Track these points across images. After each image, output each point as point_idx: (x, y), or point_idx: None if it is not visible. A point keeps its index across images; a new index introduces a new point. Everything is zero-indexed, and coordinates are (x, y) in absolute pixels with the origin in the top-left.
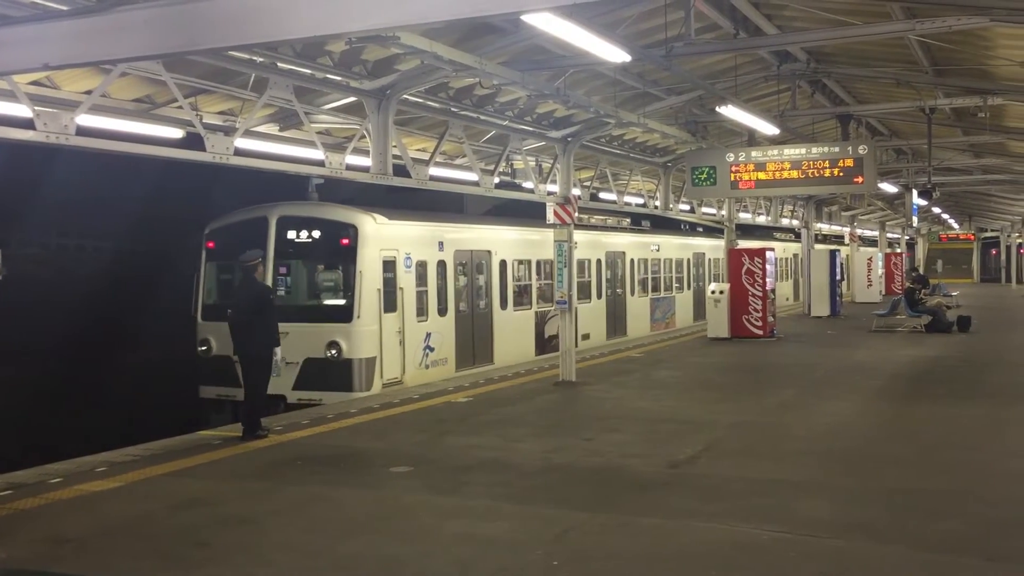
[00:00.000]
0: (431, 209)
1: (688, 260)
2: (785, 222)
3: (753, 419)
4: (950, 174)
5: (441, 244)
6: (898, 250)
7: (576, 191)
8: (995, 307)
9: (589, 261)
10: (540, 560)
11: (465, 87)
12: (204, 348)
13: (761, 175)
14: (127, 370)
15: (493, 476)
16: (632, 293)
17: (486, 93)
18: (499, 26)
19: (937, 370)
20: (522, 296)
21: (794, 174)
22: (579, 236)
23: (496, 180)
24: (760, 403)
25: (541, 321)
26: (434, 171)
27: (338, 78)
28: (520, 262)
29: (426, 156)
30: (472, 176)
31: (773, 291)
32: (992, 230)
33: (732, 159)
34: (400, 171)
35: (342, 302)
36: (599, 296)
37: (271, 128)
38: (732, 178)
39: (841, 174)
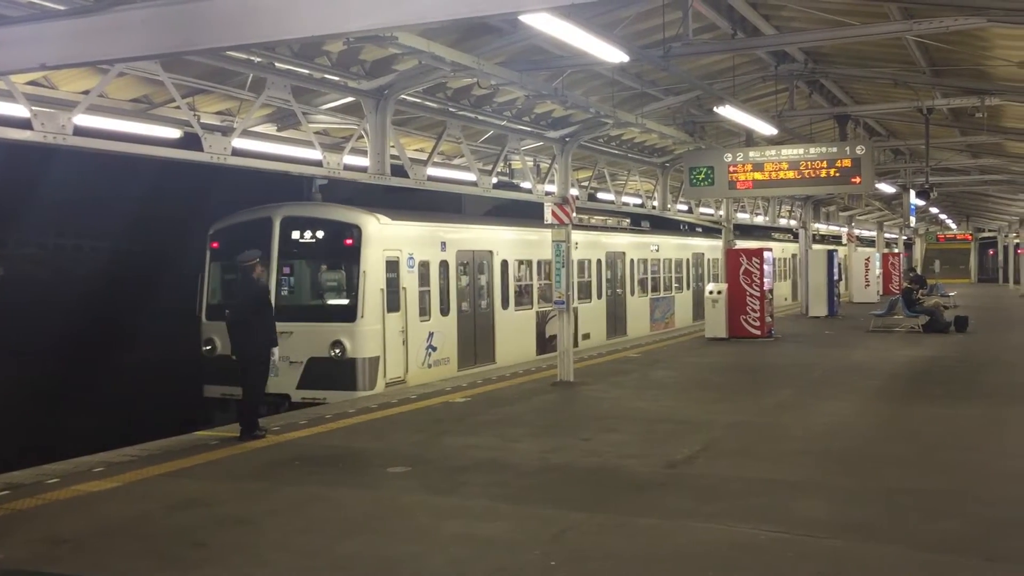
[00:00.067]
0: (429, 209)
1: (687, 260)
2: (783, 222)
3: (751, 419)
4: (947, 174)
5: (444, 244)
6: (896, 250)
7: (574, 191)
8: (992, 307)
9: (589, 261)
10: (538, 560)
11: (463, 87)
12: (208, 348)
13: (759, 175)
14: (125, 370)
15: (491, 476)
16: (632, 293)
17: (484, 93)
18: (497, 26)
19: (935, 370)
20: (523, 296)
21: (792, 174)
22: (579, 236)
23: (494, 180)
24: (758, 403)
25: (542, 321)
26: (432, 171)
27: (336, 78)
28: (521, 262)
29: (424, 156)
30: (470, 176)
31: (771, 291)
32: (989, 230)
33: (730, 159)
34: (398, 171)
35: (346, 302)
36: (599, 296)
37: (269, 128)
38: (730, 178)
39: (839, 174)
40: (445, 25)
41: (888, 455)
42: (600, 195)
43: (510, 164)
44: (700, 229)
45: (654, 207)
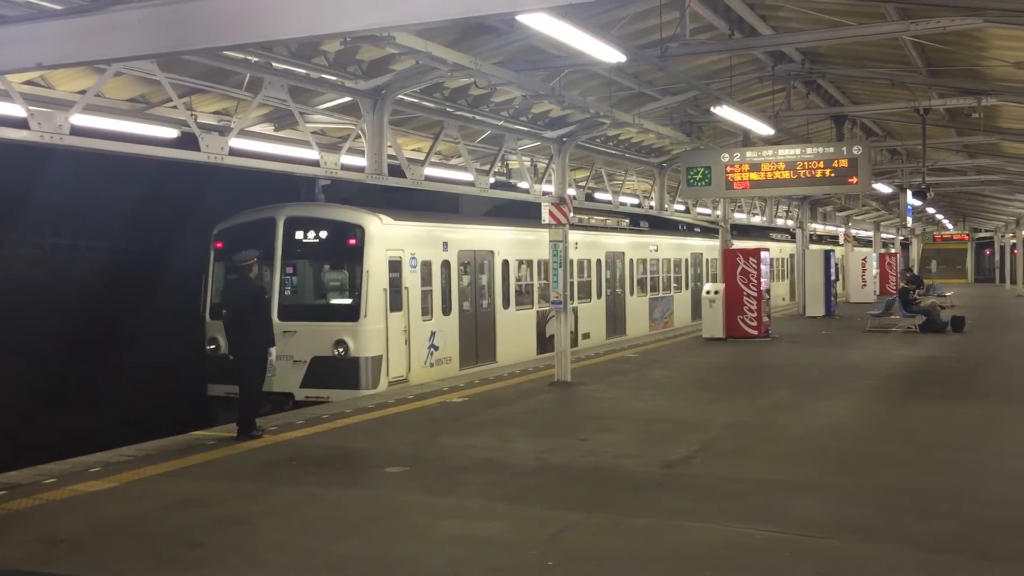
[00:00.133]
0: (426, 209)
1: (686, 260)
2: (780, 222)
3: (748, 419)
4: (944, 175)
5: (445, 244)
6: (892, 250)
7: (571, 191)
8: (989, 307)
9: (589, 261)
10: (535, 560)
11: (460, 87)
12: (212, 347)
13: (756, 175)
14: (122, 370)
15: (488, 476)
16: (631, 293)
17: (481, 93)
18: (494, 26)
19: (931, 370)
20: (524, 296)
21: (789, 174)
22: (579, 237)
23: (491, 180)
24: (755, 403)
25: (542, 320)
26: (429, 171)
27: (333, 78)
28: (522, 262)
29: (421, 156)
30: (467, 176)
31: (768, 291)
32: (986, 230)
33: (727, 159)
34: (395, 171)
35: (349, 301)
36: (599, 296)
37: (266, 128)
38: (727, 178)
39: (835, 175)
40: (442, 25)
41: (885, 455)
42: (597, 195)
43: (507, 164)
44: (698, 229)
45: (651, 207)
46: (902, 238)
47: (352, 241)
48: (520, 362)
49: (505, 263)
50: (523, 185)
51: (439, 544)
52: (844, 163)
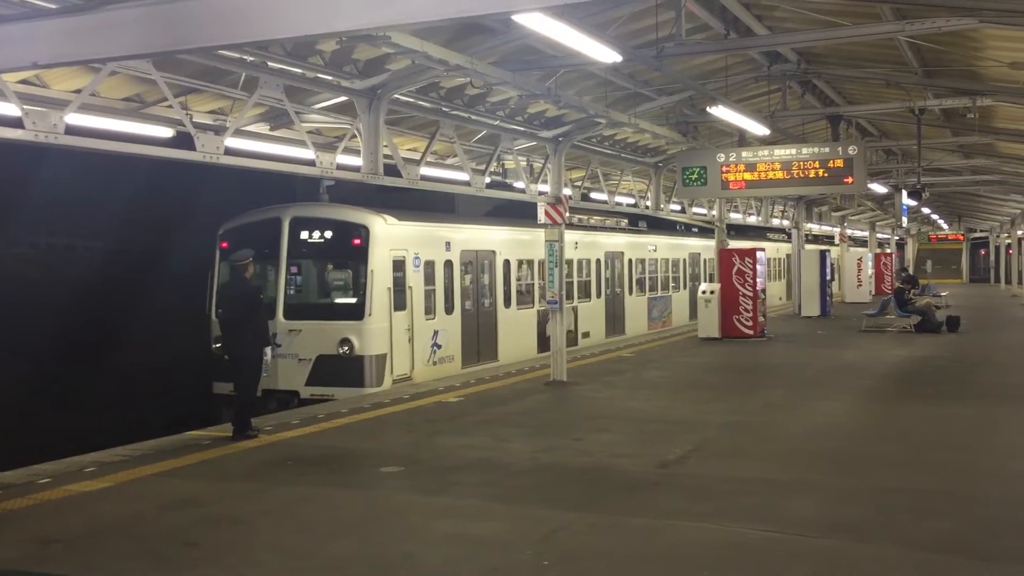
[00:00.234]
0: (422, 209)
1: (684, 260)
2: (776, 222)
3: (743, 419)
4: (939, 175)
5: (448, 244)
6: (888, 250)
7: (567, 191)
8: (984, 307)
9: (588, 261)
10: (530, 560)
11: (456, 87)
12: (218, 345)
13: (752, 175)
14: (119, 370)
15: (483, 476)
16: (630, 292)
17: (477, 93)
18: (490, 26)
19: (926, 370)
20: (525, 295)
21: (784, 174)
22: (579, 236)
23: (487, 180)
24: (750, 403)
25: (543, 320)
26: (425, 171)
27: (329, 77)
28: (523, 262)
29: (417, 156)
30: (463, 176)
31: (763, 291)
32: (981, 231)
33: (723, 159)
34: (391, 171)
35: (354, 300)
36: (598, 295)
37: (262, 127)
38: (723, 178)
39: (831, 175)
40: (438, 25)
41: (880, 455)
42: (593, 195)
43: (503, 164)
44: (696, 229)
45: (647, 207)
46: (897, 238)
47: (357, 241)
48: (521, 361)
49: (506, 263)
50: (519, 185)
51: (435, 544)
52: (839, 163)
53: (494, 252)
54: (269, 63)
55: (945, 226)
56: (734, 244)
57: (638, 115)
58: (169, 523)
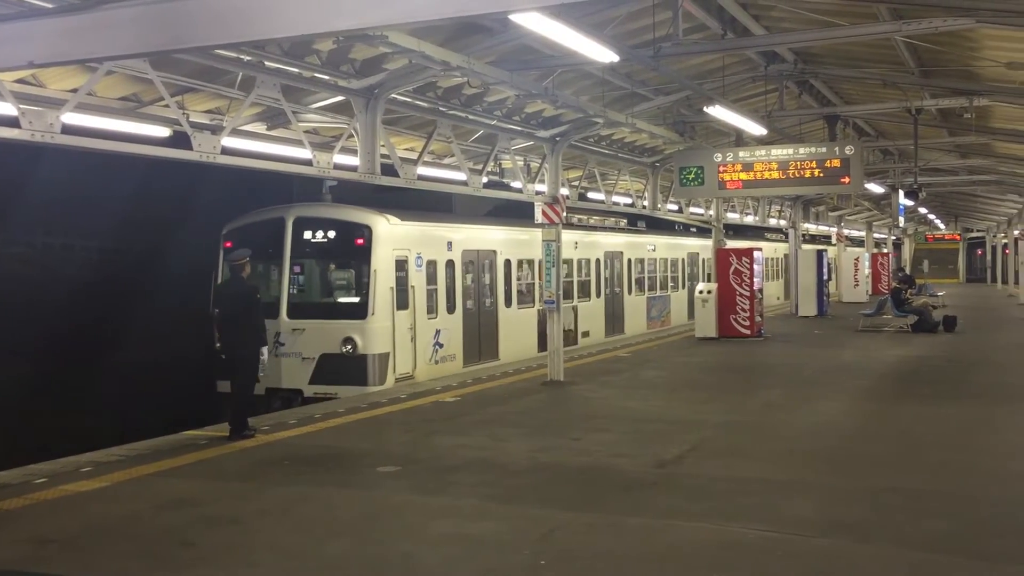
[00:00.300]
0: (419, 208)
1: (683, 260)
2: (773, 222)
3: (740, 419)
4: (936, 175)
5: (450, 244)
6: (885, 250)
7: (564, 191)
8: (980, 307)
9: (588, 261)
10: (527, 560)
11: (453, 86)
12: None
13: (748, 175)
14: (116, 370)
15: (480, 476)
16: (629, 292)
17: (474, 93)
18: (487, 26)
19: (923, 370)
20: (525, 295)
21: (781, 174)
22: (579, 236)
23: (484, 180)
24: (747, 403)
25: (544, 319)
26: (422, 171)
27: (326, 77)
28: (523, 262)
29: (414, 155)
30: (460, 176)
31: (760, 291)
32: (978, 230)
33: (720, 159)
34: (388, 170)
35: (357, 300)
36: (598, 295)
37: (258, 127)
38: (720, 178)
39: (828, 175)
40: (435, 24)
41: (877, 455)
42: (591, 195)
43: (500, 163)
44: (694, 229)
45: (644, 207)
46: (894, 238)
47: (360, 241)
48: (522, 360)
49: (507, 262)
50: (516, 185)
51: (432, 544)
52: (836, 163)
53: (495, 252)
54: (266, 62)
55: (942, 226)
56: (732, 244)
57: (635, 115)
58: (166, 523)
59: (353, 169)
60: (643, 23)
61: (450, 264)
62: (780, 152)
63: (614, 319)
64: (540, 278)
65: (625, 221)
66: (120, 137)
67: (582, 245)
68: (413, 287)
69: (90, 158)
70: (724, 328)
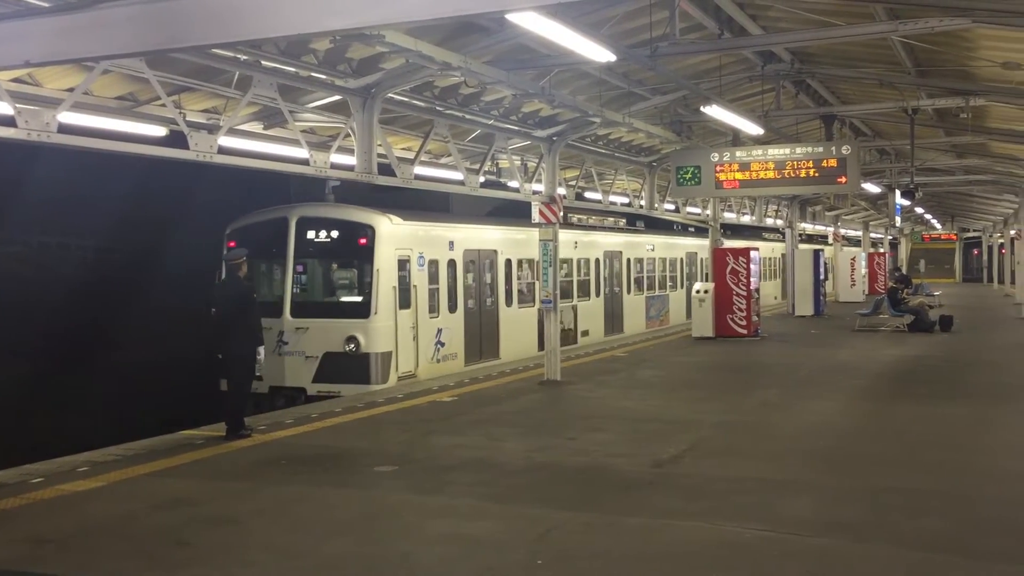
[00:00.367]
0: (415, 208)
1: (681, 259)
2: (769, 222)
3: (737, 418)
4: (932, 174)
5: (451, 244)
6: (881, 250)
7: (561, 190)
8: (977, 307)
9: (588, 260)
10: (524, 559)
11: (450, 86)
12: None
13: (745, 175)
14: (113, 369)
15: (477, 475)
16: (628, 291)
17: (471, 92)
18: (484, 25)
19: (919, 370)
20: (526, 294)
21: (778, 174)
22: (579, 236)
23: (481, 179)
24: (744, 402)
25: (543, 318)
26: (419, 170)
27: (323, 76)
28: (524, 261)
29: (411, 155)
30: (457, 175)
31: (757, 290)
32: (974, 230)
33: (717, 159)
34: (385, 170)
35: (360, 299)
36: (598, 294)
37: (255, 126)
38: (716, 178)
39: (825, 174)
40: (432, 23)
41: (873, 454)
42: (587, 194)
43: (497, 163)
44: (692, 229)
45: (641, 206)
46: (891, 238)
47: (363, 240)
48: (522, 358)
49: (508, 262)
50: (513, 184)
51: (429, 544)
52: (833, 163)
53: (496, 252)
54: (263, 62)
55: (938, 226)
56: (729, 244)
57: (632, 114)
58: (162, 523)
59: (350, 169)
60: (640, 22)
61: (451, 264)
62: (777, 152)
63: (613, 318)
64: (540, 278)
65: (624, 221)
66: (116, 136)
67: (582, 245)
68: (415, 286)
69: (86, 157)
70: (721, 328)
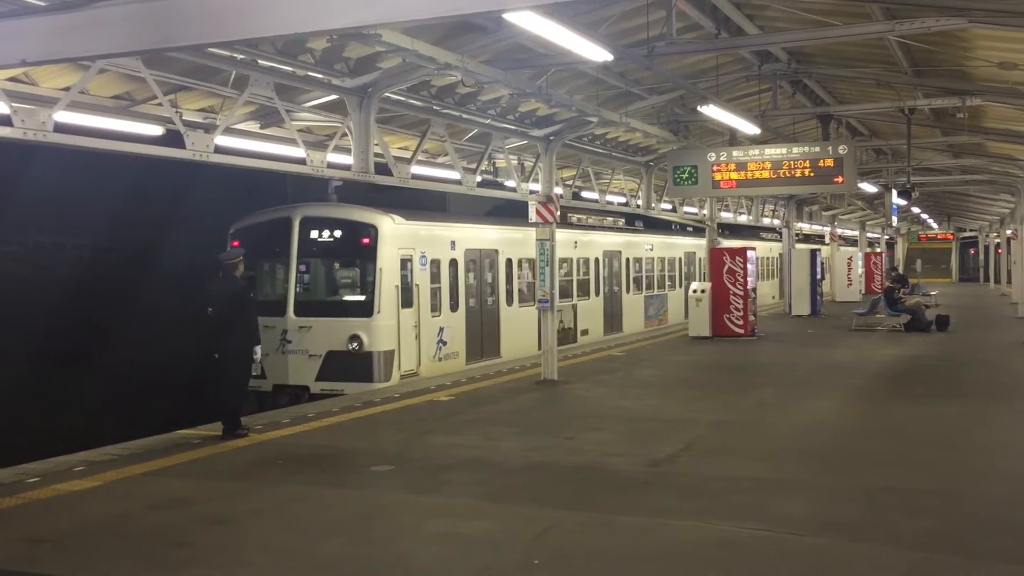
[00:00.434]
0: (411, 207)
1: (679, 259)
2: (766, 221)
3: (733, 418)
4: (929, 174)
5: (453, 243)
6: (878, 249)
7: (558, 190)
8: (973, 306)
9: (587, 260)
10: (521, 559)
11: (447, 85)
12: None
13: (742, 175)
14: (109, 369)
15: (474, 475)
16: (627, 291)
17: (468, 91)
18: (481, 24)
19: (916, 369)
20: (526, 293)
21: (775, 174)
22: (579, 236)
23: (478, 179)
24: (740, 402)
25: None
26: (416, 169)
27: (319, 76)
28: (524, 261)
29: (408, 154)
30: (454, 175)
31: (754, 290)
32: (970, 230)
33: (713, 159)
34: (382, 169)
35: (363, 298)
36: (597, 293)
37: (252, 126)
38: (713, 177)
39: (821, 174)
40: (429, 23)
41: (870, 453)
42: (584, 194)
43: (494, 163)
44: (691, 229)
45: (638, 206)
46: (887, 237)
47: (366, 240)
48: (523, 357)
49: (508, 261)
50: (510, 184)
51: (426, 543)
52: (830, 163)
53: (496, 251)
54: (259, 61)
55: (935, 225)
56: (727, 243)
57: (629, 114)
58: (159, 523)
59: (347, 168)
60: (637, 22)
61: (453, 263)
62: (774, 151)
63: (612, 317)
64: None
65: (623, 221)
66: (113, 136)
67: (581, 244)
68: (417, 285)
69: (83, 157)
70: (718, 327)
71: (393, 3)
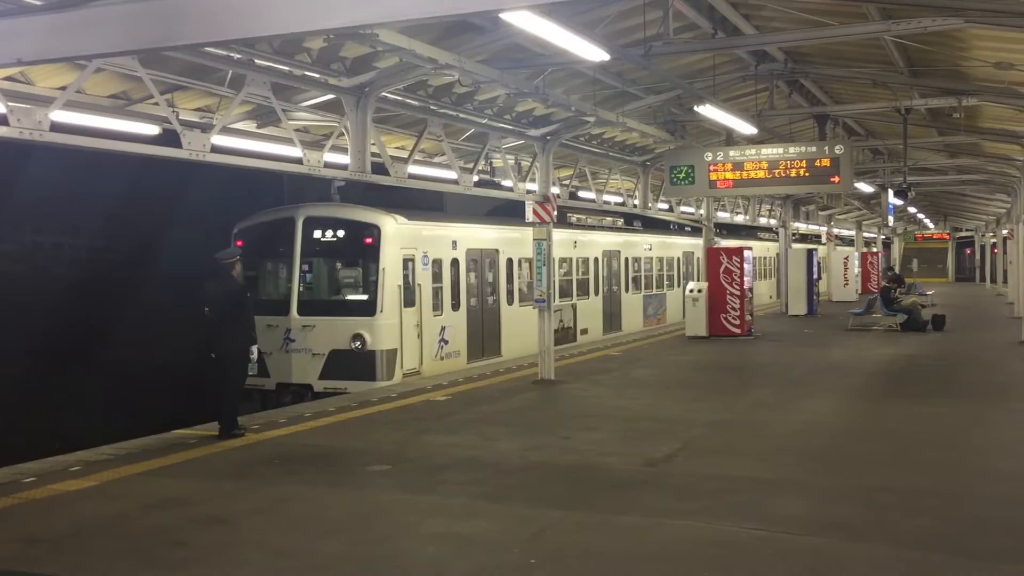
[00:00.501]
0: (408, 207)
1: (678, 259)
2: (763, 221)
3: (730, 418)
4: (925, 174)
5: (454, 243)
6: (874, 249)
7: (555, 190)
8: (969, 306)
9: (587, 259)
10: (517, 559)
11: (444, 85)
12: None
13: (739, 174)
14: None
15: (471, 475)
16: (627, 290)
17: (465, 91)
18: (478, 24)
19: (912, 369)
20: (527, 293)
21: (771, 174)
22: (578, 236)
23: (475, 178)
24: (737, 402)
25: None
26: (413, 169)
27: (316, 75)
28: (524, 260)
29: (405, 154)
30: (451, 174)
31: (751, 290)
32: (967, 230)
33: (710, 158)
34: (379, 169)
35: (366, 297)
36: (596, 293)
37: (248, 125)
38: (710, 177)
39: (818, 174)
40: (426, 22)
41: (867, 453)
42: (581, 193)
43: (491, 162)
44: (689, 229)
45: (635, 205)
46: (884, 237)
47: (369, 240)
48: (524, 356)
49: (509, 261)
50: (507, 183)
51: (422, 543)
52: (826, 162)
53: (497, 251)
54: (256, 60)
55: (931, 225)
56: (724, 243)
57: (626, 114)
58: (155, 522)
59: (343, 167)
60: (634, 22)
61: (455, 263)
62: (770, 151)
63: (612, 316)
64: (534, 277)
65: (622, 221)
66: (109, 135)
67: (581, 244)
68: (419, 285)
69: (79, 156)
70: (714, 327)
71: (390, 2)
